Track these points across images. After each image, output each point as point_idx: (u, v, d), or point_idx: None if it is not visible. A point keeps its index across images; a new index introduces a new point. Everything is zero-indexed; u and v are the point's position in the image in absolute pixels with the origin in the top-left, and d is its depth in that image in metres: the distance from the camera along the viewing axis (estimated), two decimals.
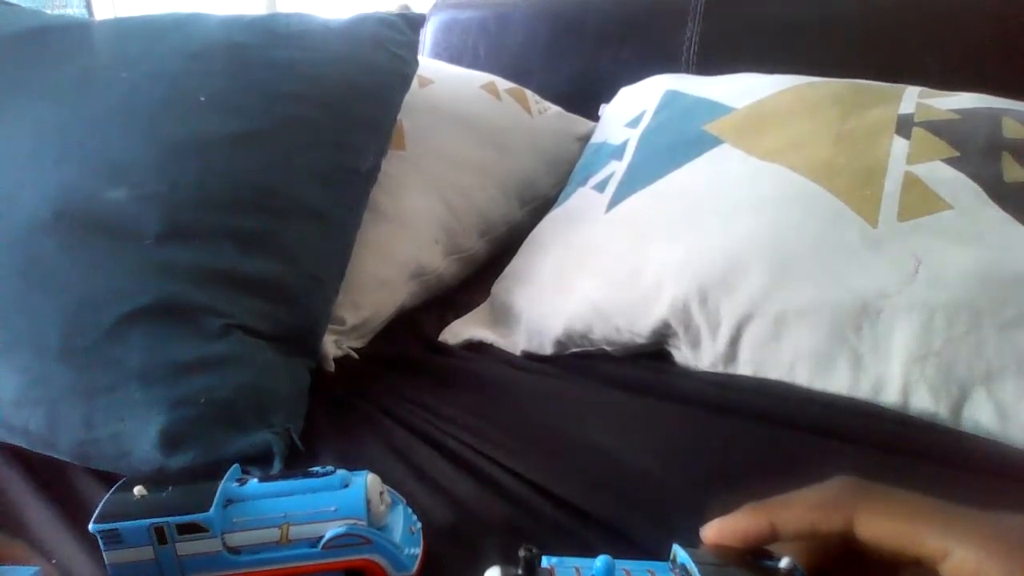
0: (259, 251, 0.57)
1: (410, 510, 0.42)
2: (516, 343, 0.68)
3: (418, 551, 0.40)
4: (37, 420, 0.51)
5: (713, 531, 0.29)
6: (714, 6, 1.02)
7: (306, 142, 0.64)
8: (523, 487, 0.47)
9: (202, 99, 0.62)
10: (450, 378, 0.61)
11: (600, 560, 0.26)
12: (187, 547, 0.38)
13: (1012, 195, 0.56)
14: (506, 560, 0.26)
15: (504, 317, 0.71)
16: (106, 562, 0.38)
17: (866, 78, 0.74)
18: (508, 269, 0.75)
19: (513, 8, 1.19)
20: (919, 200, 0.57)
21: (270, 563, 0.38)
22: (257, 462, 0.50)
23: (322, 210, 0.62)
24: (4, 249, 0.55)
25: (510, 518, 0.44)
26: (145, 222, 0.55)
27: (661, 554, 0.29)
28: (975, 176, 0.57)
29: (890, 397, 0.51)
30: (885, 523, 0.25)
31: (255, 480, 0.41)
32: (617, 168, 0.75)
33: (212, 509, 0.38)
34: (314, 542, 0.38)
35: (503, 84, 1.00)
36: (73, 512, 0.47)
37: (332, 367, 0.62)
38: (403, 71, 0.77)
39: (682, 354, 0.61)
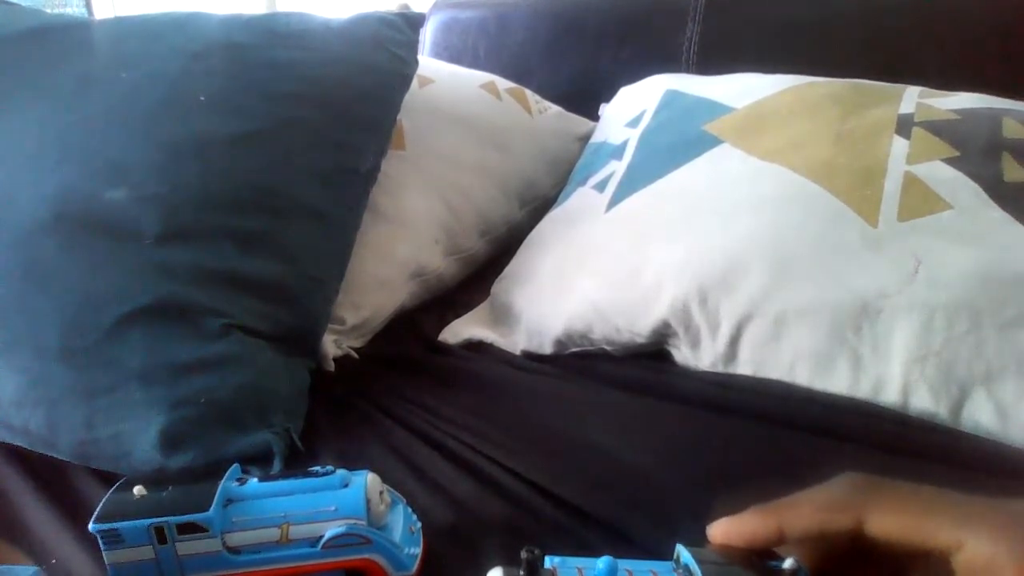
0: (259, 251, 0.57)
1: (410, 510, 0.42)
2: (516, 343, 0.68)
3: (418, 551, 0.40)
4: (37, 420, 0.51)
5: (720, 531, 0.29)
6: (714, 6, 1.02)
7: (306, 142, 0.64)
8: (523, 487, 0.47)
9: (202, 99, 0.62)
10: (450, 378, 0.61)
11: (603, 561, 0.26)
12: (187, 547, 0.38)
13: (1012, 195, 0.56)
14: (507, 560, 0.26)
15: (504, 317, 0.71)
16: (106, 562, 0.38)
17: (866, 78, 0.74)
18: (508, 269, 0.75)
19: (513, 8, 1.19)
20: (919, 200, 0.57)
21: (270, 563, 0.38)
22: (257, 462, 0.50)
23: (322, 210, 0.62)
24: (4, 249, 0.55)
25: (510, 518, 0.44)
26: (145, 222, 0.55)
27: (662, 554, 0.29)
28: (975, 176, 0.57)
29: (890, 397, 0.51)
30: (896, 518, 0.25)
31: (255, 480, 0.41)
32: (617, 168, 0.75)
33: (212, 509, 0.38)
34: (314, 542, 0.38)
35: (503, 84, 1.00)
36: (73, 512, 0.47)
37: (332, 367, 0.62)
38: (403, 71, 0.77)
39: (682, 354, 0.61)
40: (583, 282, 0.65)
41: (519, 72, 1.10)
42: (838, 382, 0.53)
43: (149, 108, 0.61)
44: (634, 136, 0.78)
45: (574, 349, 0.65)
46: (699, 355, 0.60)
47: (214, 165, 0.59)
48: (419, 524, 0.42)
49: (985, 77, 0.75)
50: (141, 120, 0.60)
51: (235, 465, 0.42)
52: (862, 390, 0.52)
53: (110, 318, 0.51)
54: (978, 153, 0.59)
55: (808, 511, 0.27)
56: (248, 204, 0.59)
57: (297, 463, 0.49)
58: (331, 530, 0.38)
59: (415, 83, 0.81)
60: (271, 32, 0.71)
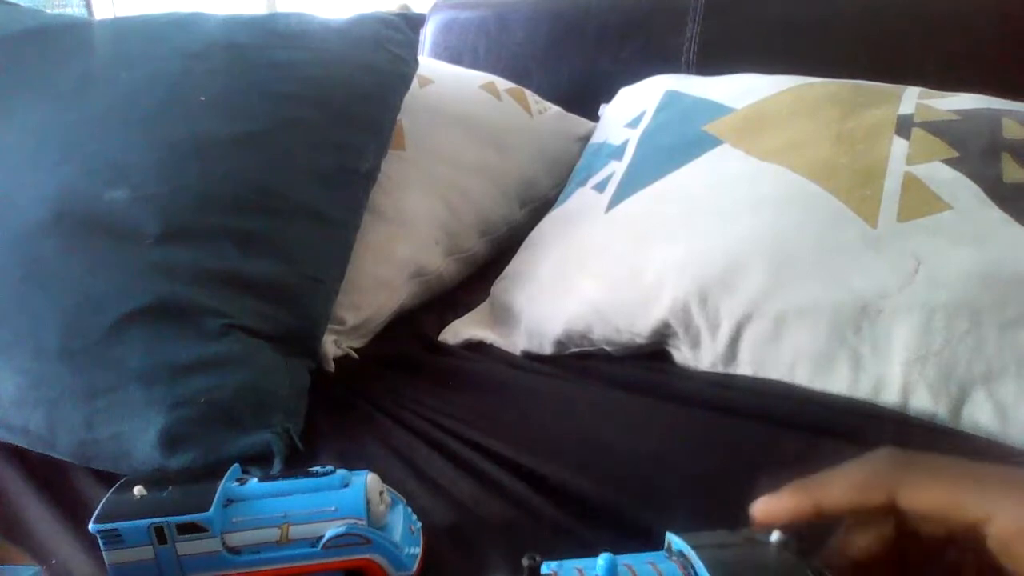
0: (259, 252, 0.57)
1: (410, 510, 0.43)
2: (516, 343, 0.68)
3: (418, 551, 0.40)
4: (37, 420, 0.51)
5: (762, 509, 0.29)
6: (714, 6, 1.02)
7: (306, 143, 0.64)
8: (523, 487, 0.46)
9: (202, 99, 0.62)
10: (450, 378, 0.61)
11: (602, 558, 0.26)
12: (187, 547, 0.38)
13: (1012, 195, 0.56)
14: (507, 566, 0.26)
15: (504, 317, 0.71)
16: (106, 562, 0.38)
17: (866, 78, 0.74)
18: (508, 269, 0.75)
19: (513, 8, 1.19)
20: (919, 200, 0.57)
21: (270, 563, 0.38)
22: (257, 462, 0.50)
23: (322, 210, 0.62)
24: (4, 250, 0.55)
25: (510, 518, 0.44)
26: (145, 223, 0.55)
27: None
28: (975, 176, 0.57)
29: (890, 397, 0.51)
30: (927, 493, 0.25)
31: (255, 480, 0.41)
32: (617, 168, 0.75)
33: (212, 509, 0.38)
34: (314, 542, 0.38)
35: (503, 84, 1.00)
36: (73, 512, 0.47)
37: (332, 367, 0.62)
38: (403, 71, 0.77)
39: (682, 354, 0.61)
40: (583, 282, 0.65)
41: (519, 72, 1.10)
42: (838, 382, 0.53)
43: (149, 108, 0.61)
44: (634, 136, 0.78)
45: (574, 349, 0.65)
46: (699, 355, 0.60)
47: (214, 165, 0.59)
48: (419, 524, 0.42)
49: (985, 77, 0.75)
50: (141, 120, 0.61)
51: (235, 465, 0.43)
52: (862, 390, 0.52)
53: (110, 318, 0.51)
54: (978, 154, 0.59)
55: (841, 487, 0.27)
56: (248, 204, 0.59)
57: (297, 463, 0.49)
58: (331, 530, 0.38)
59: (415, 83, 0.81)
60: (271, 33, 0.71)
